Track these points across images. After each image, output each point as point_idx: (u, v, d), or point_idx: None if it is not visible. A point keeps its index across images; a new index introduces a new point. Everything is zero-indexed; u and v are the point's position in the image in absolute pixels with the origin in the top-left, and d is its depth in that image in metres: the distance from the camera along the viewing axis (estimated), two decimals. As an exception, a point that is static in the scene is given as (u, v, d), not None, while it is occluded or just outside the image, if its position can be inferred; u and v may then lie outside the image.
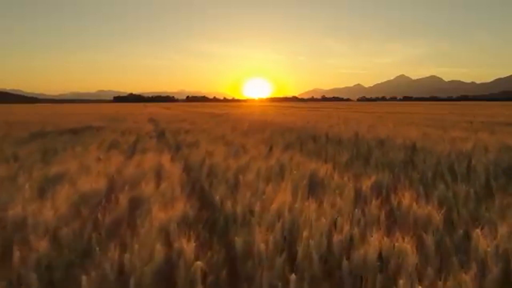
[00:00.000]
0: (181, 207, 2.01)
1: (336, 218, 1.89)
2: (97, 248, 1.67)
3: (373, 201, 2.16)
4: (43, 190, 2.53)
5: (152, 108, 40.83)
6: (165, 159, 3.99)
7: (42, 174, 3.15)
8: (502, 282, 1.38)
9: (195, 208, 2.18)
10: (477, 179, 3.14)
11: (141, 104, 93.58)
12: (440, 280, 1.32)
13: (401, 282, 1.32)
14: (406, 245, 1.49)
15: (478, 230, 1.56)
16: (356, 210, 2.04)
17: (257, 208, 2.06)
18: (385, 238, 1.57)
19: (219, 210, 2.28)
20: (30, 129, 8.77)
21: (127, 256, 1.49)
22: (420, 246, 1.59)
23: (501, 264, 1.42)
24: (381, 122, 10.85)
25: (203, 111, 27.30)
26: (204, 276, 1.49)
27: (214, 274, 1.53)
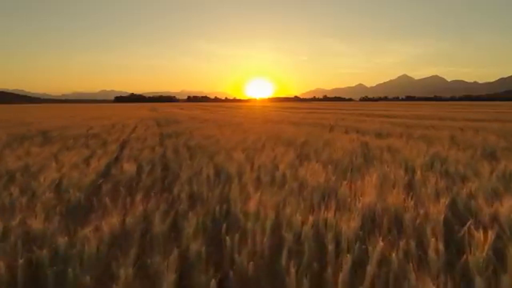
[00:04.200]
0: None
1: None
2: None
3: None
4: None
5: (117, 110, 35.75)
6: None
7: None
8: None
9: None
10: None
11: (131, 105, 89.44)
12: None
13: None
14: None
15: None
16: None
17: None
18: None
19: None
20: None
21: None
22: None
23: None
24: (455, 149, 5.49)
25: (172, 111, 22.02)
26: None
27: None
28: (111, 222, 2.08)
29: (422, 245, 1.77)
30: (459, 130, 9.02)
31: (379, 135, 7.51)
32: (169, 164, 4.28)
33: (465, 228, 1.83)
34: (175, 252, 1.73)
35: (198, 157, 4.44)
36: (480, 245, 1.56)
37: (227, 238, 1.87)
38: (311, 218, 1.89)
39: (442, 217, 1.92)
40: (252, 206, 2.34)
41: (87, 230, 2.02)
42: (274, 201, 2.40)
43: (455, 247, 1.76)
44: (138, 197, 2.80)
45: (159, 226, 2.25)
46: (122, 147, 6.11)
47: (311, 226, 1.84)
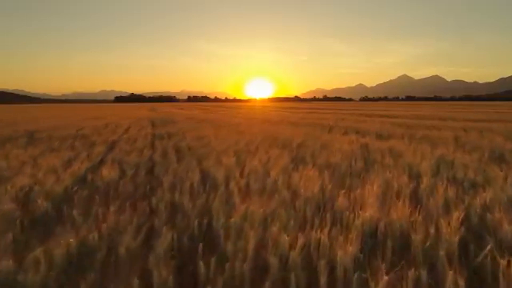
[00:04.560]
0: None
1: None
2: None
3: None
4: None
5: (116, 110, 35.59)
6: None
7: None
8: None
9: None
10: None
11: (131, 105, 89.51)
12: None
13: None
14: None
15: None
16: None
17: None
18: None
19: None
20: None
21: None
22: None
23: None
24: None
25: (171, 111, 21.70)
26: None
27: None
28: (67, 242, 1.78)
29: (434, 272, 1.47)
30: (462, 130, 8.74)
31: (379, 136, 7.21)
32: (155, 168, 3.97)
33: (486, 251, 1.52)
34: (136, 282, 1.43)
35: (186, 161, 4.14)
36: (508, 277, 1.25)
37: (201, 263, 1.56)
38: (301, 240, 1.59)
39: (457, 238, 1.62)
40: (235, 220, 2.04)
41: (39, 251, 1.71)
42: (261, 215, 2.10)
43: (476, 276, 1.46)
44: (113, 207, 2.51)
45: (127, 244, 1.94)
46: (110, 148, 5.81)
47: (301, 250, 1.53)
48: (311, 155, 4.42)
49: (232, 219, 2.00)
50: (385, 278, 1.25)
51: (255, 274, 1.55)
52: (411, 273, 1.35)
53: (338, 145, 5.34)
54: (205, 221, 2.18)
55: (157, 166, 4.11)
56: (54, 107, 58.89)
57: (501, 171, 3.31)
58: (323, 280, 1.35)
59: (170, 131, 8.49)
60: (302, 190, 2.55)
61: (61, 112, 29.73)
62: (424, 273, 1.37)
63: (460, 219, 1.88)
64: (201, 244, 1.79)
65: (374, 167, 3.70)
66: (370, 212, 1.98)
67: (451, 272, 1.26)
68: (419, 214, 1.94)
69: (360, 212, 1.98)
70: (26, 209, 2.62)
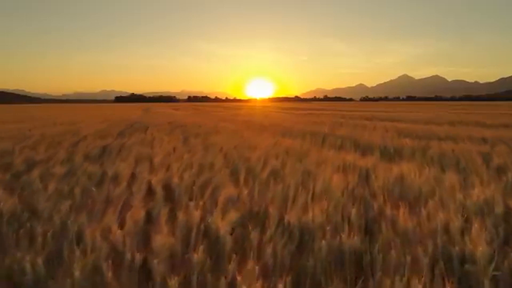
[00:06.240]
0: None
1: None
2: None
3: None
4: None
5: (106, 110, 34.20)
6: None
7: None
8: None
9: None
10: None
11: (128, 105, 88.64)
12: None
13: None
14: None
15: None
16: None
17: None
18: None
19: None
20: None
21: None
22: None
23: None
24: None
25: (164, 112, 20.13)
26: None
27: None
28: None
29: None
30: (484, 142, 7.18)
31: (384, 154, 5.65)
32: (24, 227, 2.40)
33: None
34: None
35: (80, 215, 2.58)
36: None
37: None
38: None
39: None
40: None
41: None
42: None
43: None
44: None
45: None
46: (18, 175, 4.24)
47: None
48: (282, 199, 2.85)
49: None
50: None
51: None
52: None
53: (328, 172, 3.77)
54: None
55: (32, 220, 2.55)
56: (45, 108, 57.23)
57: None
58: None
59: (127, 143, 6.94)
60: None
61: (44, 113, 28.15)
62: None
63: None
64: None
65: (382, 233, 2.14)
66: None
67: None
68: None
69: None
70: None
